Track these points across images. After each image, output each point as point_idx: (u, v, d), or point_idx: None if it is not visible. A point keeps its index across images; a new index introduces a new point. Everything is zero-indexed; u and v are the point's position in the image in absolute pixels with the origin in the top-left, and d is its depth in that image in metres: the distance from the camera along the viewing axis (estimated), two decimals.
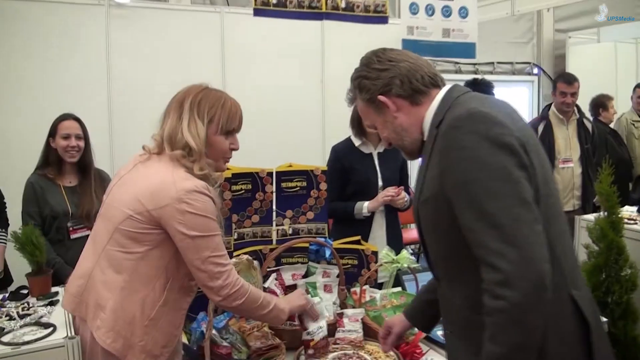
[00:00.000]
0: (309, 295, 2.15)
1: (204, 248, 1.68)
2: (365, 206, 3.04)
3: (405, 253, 2.44)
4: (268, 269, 2.40)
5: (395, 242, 3.07)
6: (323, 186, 2.62)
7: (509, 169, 1.28)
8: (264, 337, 2.14)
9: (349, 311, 2.26)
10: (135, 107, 4.35)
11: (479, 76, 4.31)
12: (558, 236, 1.37)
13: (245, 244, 2.52)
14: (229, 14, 4.86)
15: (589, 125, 4.51)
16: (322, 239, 2.48)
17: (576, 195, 4.44)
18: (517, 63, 7.40)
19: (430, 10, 3.37)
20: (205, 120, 1.78)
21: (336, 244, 2.56)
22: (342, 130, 4.67)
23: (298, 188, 2.60)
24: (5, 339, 1.89)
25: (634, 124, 5.47)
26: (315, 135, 5.21)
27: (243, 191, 2.49)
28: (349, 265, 2.60)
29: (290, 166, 2.62)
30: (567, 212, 4.16)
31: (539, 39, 7.43)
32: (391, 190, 3.02)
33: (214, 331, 1.99)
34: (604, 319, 2.13)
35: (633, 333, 2.99)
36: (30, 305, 2.25)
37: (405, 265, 2.42)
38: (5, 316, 2.10)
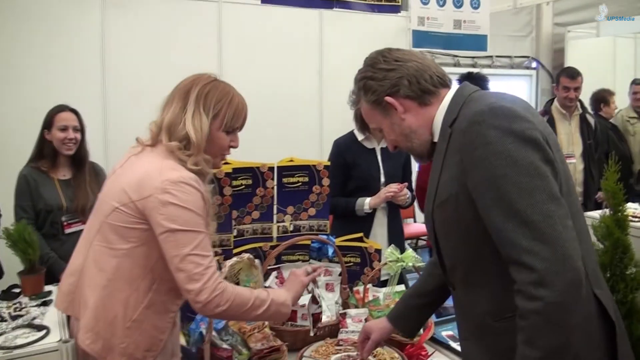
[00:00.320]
0: (307, 267, 1.97)
1: (184, 244, 1.55)
2: (367, 202, 2.98)
3: (410, 252, 2.38)
4: (268, 267, 2.33)
5: (397, 240, 3.01)
6: (325, 182, 2.54)
7: (536, 163, 1.23)
8: (265, 338, 2.07)
9: (352, 311, 2.20)
10: (130, 99, 4.26)
11: (473, 70, 4.24)
12: (580, 234, 1.31)
13: (245, 241, 2.45)
14: (226, 4, 4.77)
15: (591, 121, 4.46)
16: (325, 237, 2.41)
17: (578, 192, 4.39)
18: (515, 57, 7.33)
19: (442, 1, 3.29)
20: (210, 115, 1.69)
21: (338, 241, 2.49)
22: (340, 124, 4.59)
23: (300, 183, 2.52)
24: None
25: (629, 121, 5.42)
26: (313, 128, 5.14)
27: (243, 186, 2.41)
28: (351, 264, 2.54)
29: (292, 161, 2.54)
30: None
31: (538, 33, 7.36)
32: (394, 187, 2.95)
33: (213, 332, 1.92)
34: None
35: (638, 332, 2.94)
36: (23, 305, 2.17)
37: (410, 264, 2.36)
38: None
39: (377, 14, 5.40)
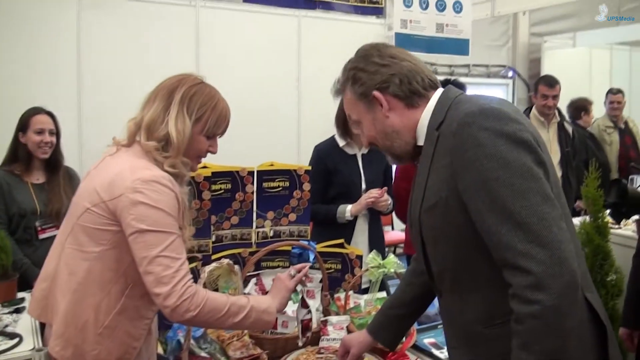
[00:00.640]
0: (290, 270, 1.89)
1: (153, 245, 1.49)
2: (348, 209, 2.94)
3: (392, 257, 2.35)
4: (247, 274, 2.28)
5: (378, 247, 2.97)
6: (306, 186, 2.50)
7: (529, 165, 1.21)
8: (244, 346, 2.02)
9: (333, 318, 2.16)
10: (106, 102, 4.16)
11: (451, 77, 4.24)
12: (571, 236, 1.29)
13: (223, 247, 2.39)
14: (204, 8, 4.71)
15: (569, 129, 4.49)
16: (306, 242, 2.37)
17: None
18: (492, 66, 7.40)
19: (424, 4, 3.28)
20: (193, 118, 1.64)
21: (319, 247, 2.45)
22: (318, 130, 4.57)
23: (280, 188, 2.48)
24: None
25: (605, 130, 5.49)
26: (290, 133, 5.09)
27: (222, 191, 2.36)
28: (332, 270, 2.50)
29: (272, 165, 2.50)
30: None
31: (515, 42, 7.44)
32: (374, 192, 2.92)
33: (191, 340, 1.87)
34: None
35: (619, 338, 2.95)
36: None
37: (392, 270, 2.33)
38: None
39: (356, 19, 5.42)
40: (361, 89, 1.45)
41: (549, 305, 1.14)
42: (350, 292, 2.39)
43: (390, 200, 3.02)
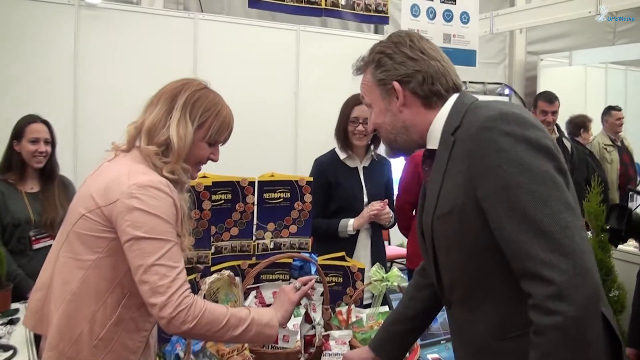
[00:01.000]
0: (295, 283, 1.82)
1: (149, 253, 1.43)
2: (350, 224, 2.88)
3: (395, 271, 2.30)
4: (247, 287, 2.22)
5: (380, 262, 2.91)
6: (308, 198, 2.46)
7: (551, 172, 1.17)
8: None
9: (335, 333, 2.10)
10: (102, 113, 4.12)
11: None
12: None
13: (222, 259, 2.34)
14: (202, 20, 4.70)
15: (568, 145, 4.49)
16: (307, 254, 2.32)
17: None
18: (488, 83, 7.42)
19: (431, 14, 3.27)
20: (195, 124, 1.60)
21: (320, 259, 2.39)
22: (315, 143, 4.52)
23: (281, 199, 2.43)
24: None
25: (606, 148, 5.48)
26: (288, 146, 5.06)
27: (222, 201, 2.31)
28: (333, 283, 2.44)
29: (272, 176, 2.45)
30: None
31: (511, 60, 7.47)
32: (376, 205, 2.87)
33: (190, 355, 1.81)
34: None
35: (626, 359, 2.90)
36: None
37: (396, 283, 2.28)
38: None
39: (354, 34, 5.45)
40: (382, 75, 1.41)
41: (571, 316, 1.10)
42: (352, 306, 2.34)
43: (392, 214, 2.98)
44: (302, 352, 1.89)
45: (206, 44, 4.65)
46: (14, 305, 2.22)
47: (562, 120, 5.47)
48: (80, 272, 1.52)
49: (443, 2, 3.30)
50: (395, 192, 3.35)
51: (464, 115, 1.34)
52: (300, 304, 1.84)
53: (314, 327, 1.89)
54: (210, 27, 4.69)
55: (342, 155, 3.01)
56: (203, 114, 1.62)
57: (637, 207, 3.22)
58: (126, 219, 1.45)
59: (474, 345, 1.37)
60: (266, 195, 2.41)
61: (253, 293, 2.30)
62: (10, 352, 1.76)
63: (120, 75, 4.26)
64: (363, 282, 2.45)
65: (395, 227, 3.36)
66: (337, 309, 2.35)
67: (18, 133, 2.84)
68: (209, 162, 1.71)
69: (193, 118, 1.60)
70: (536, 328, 1.15)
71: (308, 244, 2.49)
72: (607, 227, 2.72)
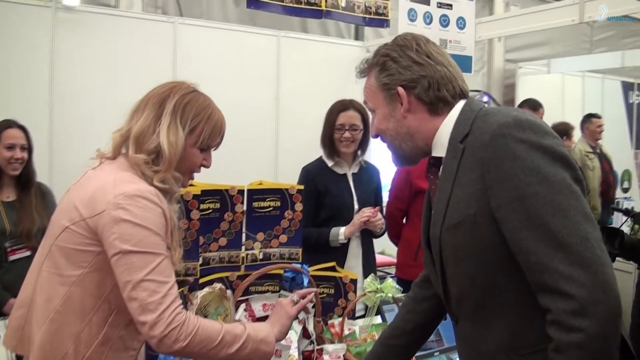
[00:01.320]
0: (293, 296, 1.75)
1: (137, 268, 1.36)
2: (341, 232, 2.82)
3: (390, 281, 2.24)
4: (236, 299, 2.14)
5: (371, 272, 2.86)
6: (298, 207, 2.38)
7: (568, 181, 1.12)
8: None
9: (329, 347, 2.04)
10: (78, 118, 4.02)
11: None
12: None
13: (210, 270, 2.24)
14: (182, 25, 4.60)
15: None
16: (298, 265, 2.25)
17: None
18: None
19: (428, 19, 3.23)
20: (186, 129, 1.52)
21: (310, 270, 2.32)
22: (296, 150, 4.47)
23: (271, 208, 2.34)
24: None
25: (587, 156, 5.51)
26: (268, 153, 4.99)
27: (211, 211, 2.22)
28: (325, 295, 2.37)
29: (261, 184, 2.37)
30: None
31: (490, 68, 7.50)
32: (367, 211, 2.81)
33: None
34: None
35: None
36: None
37: (390, 294, 2.22)
38: None
39: (335, 41, 5.41)
40: (387, 79, 1.36)
41: (594, 333, 1.05)
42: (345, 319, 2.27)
43: (383, 220, 2.92)
44: None
45: (186, 48, 4.56)
46: None
47: None
48: (63, 288, 1.43)
49: (440, 7, 3.28)
50: (385, 198, 3.30)
51: (473, 122, 1.28)
52: (298, 318, 1.76)
53: (312, 342, 1.81)
54: (189, 32, 4.61)
55: (329, 163, 2.95)
56: (194, 119, 1.54)
57: (622, 224, 3.22)
58: (113, 231, 1.37)
59: None
60: (255, 204, 2.32)
61: (242, 306, 2.22)
62: None
63: (97, 79, 4.14)
64: (355, 293, 2.38)
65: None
66: (330, 322, 2.28)
67: None
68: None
69: (184, 123, 1.52)
70: (556, 345, 1.09)
71: (299, 254, 2.41)
72: None
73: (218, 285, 1.87)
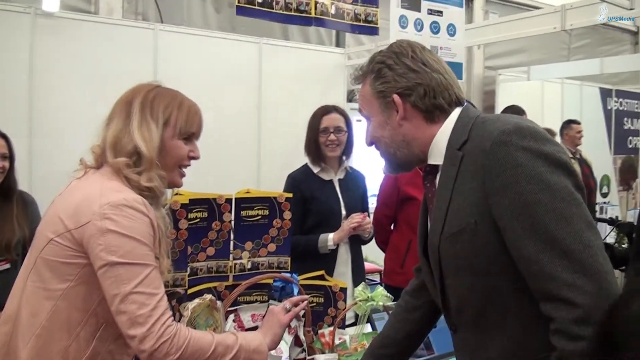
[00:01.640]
0: (285, 303, 1.73)
1: (125, 280, 1.33)
2: (330, 238, 2.80)
3: (381, 290, 2.22)
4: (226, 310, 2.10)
5: (360, 279, 2.84)
6: (287, 215, 2.35)
7: (570, 189, 1.12)
8: None
9: (320, 357, 2.02)
10: (58, 125, 3.94)
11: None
12: None
13: (198, 281, 2.20)
14: (163, 31, 4.55)
15: None
16: (288, 274, 2.22)
17: None
18: None
19: (419, 25, 3.23)
20: (160, 122, 1.49)
21: (299, 279, 2.29)
22: (279, 158, 4.44)
23: (259, 217, 2.31)
24: None
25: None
26: (250, 161, 4.94)
27: (198, 220, 2.18)
28: (314, 304, 2.34)
29: (248, 192, 2.34)
30: None
31: (470, 75, 7.55)
32: (357, 217, 2.80)
33: None
34: None
35: None
36: None
37: (381, 303, 2.20)
38: None
39: (317, 48, 5.40)
40: (382, 87, 1.34)
41: None
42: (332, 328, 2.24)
43: (371, 225, 2.91)
44: None
45: (166, 55, 4.50)
46: None
47: None
48: (49, 302, 1.39)
49: (430, 14, 3.29)
50: (371, 204, 3.29)
51: (471, 129, 1.28)
52: (290, 326, 1.73)
53: (304, 350, 1.79)
54: (170, 38, 4.55)
55: (315, 169, 2.93)
56: (165, 110, 1.52)
57: (607, 236, 3.24)
58: (99, 242, 1.34)
59: None
60: (243, 213, 2.29)
61: (231, 317, 2.19)
62: None
63: (77, 86, 4.06)
64: (345, 301, 2.36)
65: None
66: (320, 331, 2.25)
67: None
68: None
69: (156, 117, 1.50)
70: (560, 354, 1.09)
71: (287, 263, 2.38)
72: None
73: (208, 297, 1.83)
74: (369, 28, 3.58)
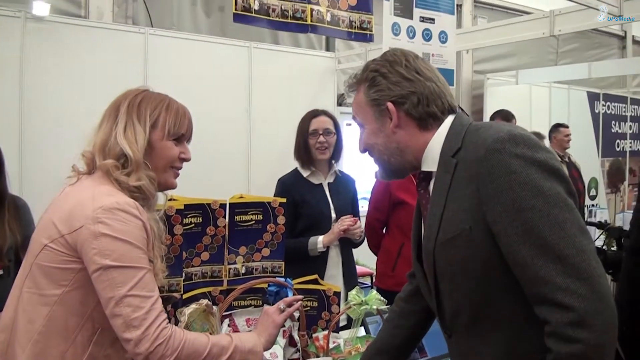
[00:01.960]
0: (279, 304, 1.76)
1: (120, 283, 1.34)
2: (320, 240, 2.81)
3: (374, 293, 2.23)
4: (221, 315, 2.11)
5: (352, 281, 2.86)
6: (281, 220, 2.36)
7: (563, 195, 1.14)
8: None
9: None
10: (49, 129, 3.91)
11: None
12: None
13: (193, 286, 2.21)
14: (153, 36, 4.54)
15: None
16: (282, 279, 2.22)
17: None
18: None
19: (411, 33, 3.25)
20: (147, 124, 1.51)
21: (294, 283, 2.30)
22: (268, 162, 4.43)
23: (253, 222, 2.32)
24: None
25: None
26: (240, 165, 4.94)
27: (193, 225, 2.19)
28: (308, 308, 2.35)
29: (242, 197, 2.35)
30: None
31: (458, 79, 7.59)
32: (347, 220, 2.81)
33: None
34: None
35: None
36: None
37: (375, 307, 2.21)
38: None
39: (307, 52, 5.41)
40: (376, 95, 1.36)
41: (593, 344, 1.07)
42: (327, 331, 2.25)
43: (362, 228, 2.92)
44: None
45: (156, 59, 4.49)
46: None
47: None
48: (45, 308, 1.39)
49: (422, 21, 3.31)
50: (361, 208, 3.30)
51: (464, 137, 1.30)
52: (284, 326, 1.75)
53: (298, 350, 1.80)
54: (160, 42, 4.54)
55: (305, 173, 2.95)
56: (152, 112, 1.53)
57: (597, 239, 3.28)
58: (93, 246, 1.34)
59: None
60: (237, 218, 2.30)
61: (226, 321, 2.19)
62: None
63: (67, 90, 4.04)
64: (339, 305, 2.37)
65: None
66: (314, 335, 2.26)
67: None
68: None
69: (143, 119, 1.51)
70: (555, 357, 1.11)
71: (281, 268, 2.39)
72: None
73: (204, 302, 1.84)
74: (364, 35, 3.60)
